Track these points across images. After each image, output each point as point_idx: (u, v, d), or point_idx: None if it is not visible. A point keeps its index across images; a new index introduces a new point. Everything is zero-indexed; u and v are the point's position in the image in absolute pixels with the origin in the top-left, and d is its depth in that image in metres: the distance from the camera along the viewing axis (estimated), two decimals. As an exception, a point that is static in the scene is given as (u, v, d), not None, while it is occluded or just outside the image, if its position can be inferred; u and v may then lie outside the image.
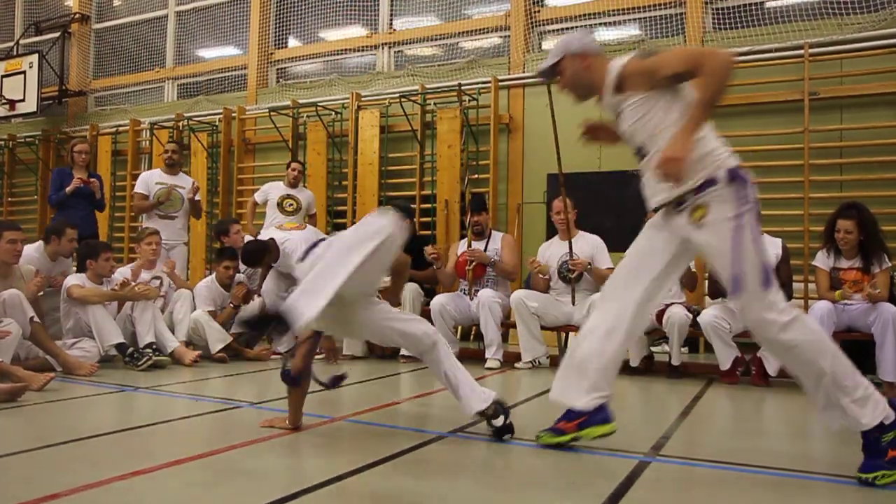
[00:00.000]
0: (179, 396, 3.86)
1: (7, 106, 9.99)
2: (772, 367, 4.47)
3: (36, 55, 9.87)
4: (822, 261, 4.65)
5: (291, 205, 6.58)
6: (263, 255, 5.39)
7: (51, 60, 10.14)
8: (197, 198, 6.42)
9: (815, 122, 5.99)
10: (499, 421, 2.82)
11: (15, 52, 10.61)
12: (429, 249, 5.64)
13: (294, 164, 6.76)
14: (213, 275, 5.69)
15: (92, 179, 6.27)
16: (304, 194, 6.72)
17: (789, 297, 4.70)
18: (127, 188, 9.30)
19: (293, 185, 6.63)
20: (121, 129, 9.54)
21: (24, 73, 9.86)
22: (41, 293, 4.90)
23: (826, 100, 6.05)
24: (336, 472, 2.32)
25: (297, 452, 2.72)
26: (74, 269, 5.24)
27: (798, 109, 6.04)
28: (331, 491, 2.15)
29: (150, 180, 6.30)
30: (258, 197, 6.69)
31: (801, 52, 6.04)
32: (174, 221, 6.29)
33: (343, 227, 7.85)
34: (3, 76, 10.04)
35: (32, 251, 5.01)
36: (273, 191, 6.62)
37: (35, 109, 9.83)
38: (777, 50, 6.24)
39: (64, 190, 6.10)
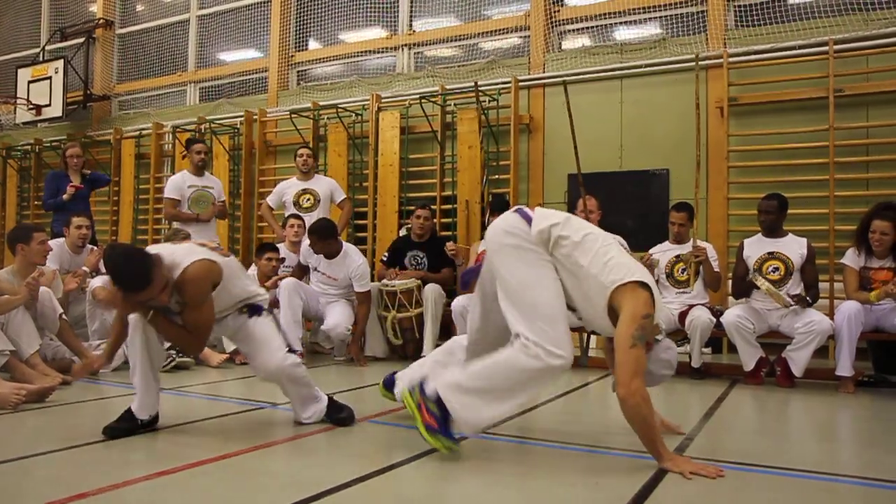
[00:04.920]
0: (202, 397, 3.89)
1: (34, 111, 10.18)
2: (797, 368, 4.38)
3: (61, 61, 10.05)
4: (853, 259, 4.54)
5: (308, 199, 6.29)
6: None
7: (76, 66, 10.30)
8: (221, 199, 6.38)
9: (841, 119, 5.89)
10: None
11: (41, 59, 10.79)
12: (449, 246, 5.84)
13: (301, 150, 6.42)
14: (255, 270, 5.52)
15: (87, 173, 6.65)
16: (321, 184, 6.42)
17: (816, 298, 4.62)
18: (150, 191, 9.42)
19: (307, 176, 6.29)
20: (144, 132, 9.65)
21: (49, 78, 10.04)
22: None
23: (851, 97, 5.95)
24: (360, 473, 2.32)
25: (321, 453, 2.74)
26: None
27: (823, 107, 5.94)
28: (355, 492, 2.16)
29: (183, 184, 6.06)
30: (271, 201, 6.45)
31: (826, 48, 5.95)
32: (209, 224, 6.14)
33: (363, 228, 7.89)
34: (30, 82, 10.23)
35: (54, 246, 5.12)
36: (288, 189, 6.31)
37: (60, 114, 10.00)
38: (801, 47, 6.15)
39: (60, 196, 6.36)
